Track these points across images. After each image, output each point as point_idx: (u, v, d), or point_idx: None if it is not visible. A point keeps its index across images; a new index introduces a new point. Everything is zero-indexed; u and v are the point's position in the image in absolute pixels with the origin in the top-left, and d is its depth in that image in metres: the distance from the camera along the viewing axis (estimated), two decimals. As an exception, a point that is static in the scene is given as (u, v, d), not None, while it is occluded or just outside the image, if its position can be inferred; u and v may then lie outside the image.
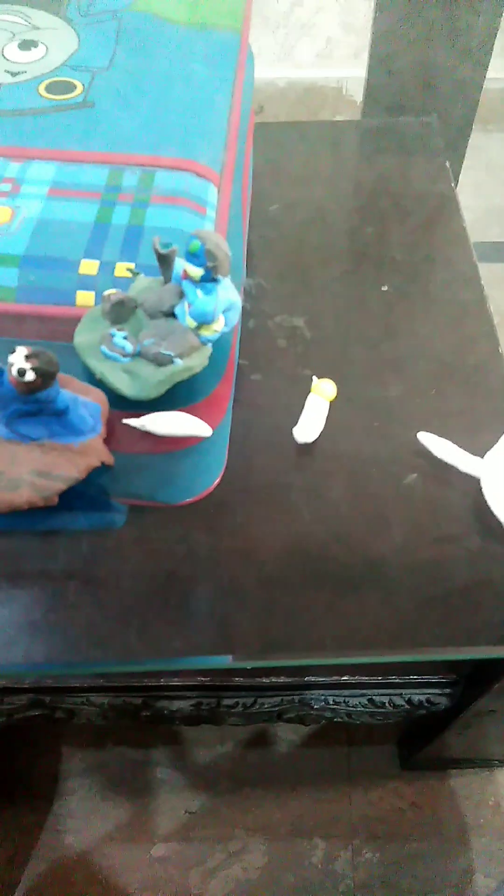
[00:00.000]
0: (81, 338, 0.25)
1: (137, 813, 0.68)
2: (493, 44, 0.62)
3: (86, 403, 0.26)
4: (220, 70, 0.35)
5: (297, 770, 0.70)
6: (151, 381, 0.24)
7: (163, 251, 0.23)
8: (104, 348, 0.24)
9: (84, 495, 0.33)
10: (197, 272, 0.23)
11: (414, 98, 0.65)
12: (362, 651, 0.25)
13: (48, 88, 0.32)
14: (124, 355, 0.24)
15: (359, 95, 0.58)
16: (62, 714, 0.48)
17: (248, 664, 0.26)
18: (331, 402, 0.38)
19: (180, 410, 0.28)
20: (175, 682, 0.43)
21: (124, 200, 0.29)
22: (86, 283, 0.26)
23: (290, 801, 0.69)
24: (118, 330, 0.24)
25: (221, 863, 0.66)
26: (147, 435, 0.29)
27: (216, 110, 0.33)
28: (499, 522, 0.31)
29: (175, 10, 0.37)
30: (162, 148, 0.30)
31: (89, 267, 0.27)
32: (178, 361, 0.24)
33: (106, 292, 0.25)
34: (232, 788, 0.69)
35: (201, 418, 0.29)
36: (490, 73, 0.65)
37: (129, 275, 0.26)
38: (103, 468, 0.31)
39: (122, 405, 0.27)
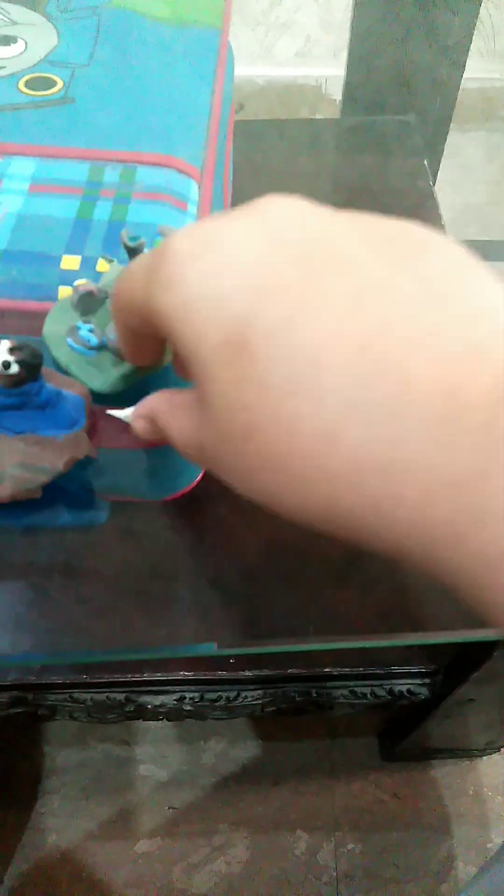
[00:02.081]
0: (50, 328, 0.25)
1: (121, 810, 0.68)
2: (470, 44, 0.63)
3: (68, 397, 0.26)
4: (200, 67, 0.35)
5: (279, 764, 0.71)
6: (115, 374, 0.24)
7: (131, 244, 0.23)
8: (70, 340, 0.24)
9: (67, 492, 0.33)
10: None
11: (392, 97, 0.66)
12: (344, 637, 0.26)
13: (28, 84, 0.32)
14: (89, 348, 0.24)
15: (338, 94, 0.58)
16: (45, 711, 0.48)
17: (233, 651, 0.26)
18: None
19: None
20: (158, 676, 0.44)
21: (106, 196, 0.29)
22: (68, 278, 0.26)
23: (272, 794, 0.69)
24: (85, 322, 0.24)
25: (205, 857, 0.66)
26: (127, 430, 0.29)
27: (196, 107, 0.33)
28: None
29: (155, 6, 0.37)
30: (143, 144, 0.31)
31: (71, 262, 0.27)
32: None
33: (76, 282, 0.25)
34: (215, 784, 0.69)
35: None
36: (467, 73, 0.66)
37: (108, 268, 0.26)
38: (87, 464, 0.31)
39: (106, 400, 0.27)
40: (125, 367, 0.24)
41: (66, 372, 0.25)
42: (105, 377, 0.24)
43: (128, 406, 0.26)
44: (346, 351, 0.13)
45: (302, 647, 0.26)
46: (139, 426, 0.20)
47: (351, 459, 0.13)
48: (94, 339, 0.24)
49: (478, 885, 0.32)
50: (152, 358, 0.21)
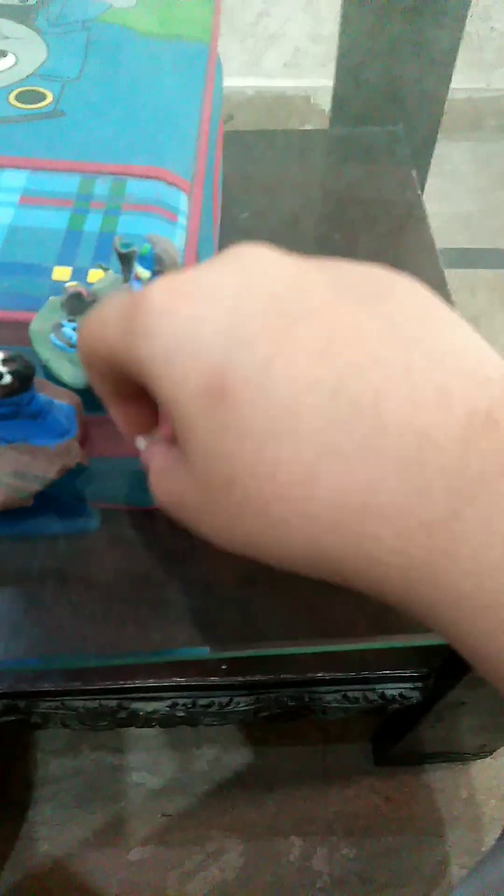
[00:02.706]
0: (37, 325, 0.25)
1: (114, 818, 0.68)
2: (456, 56, 0.64)
3: (60, 406, 0.26)
4: (189, 80, 0.36)
5: (273, 770, 0.71)
6: None
7: (123, 251, 0.24)
8: (53, 337, 0.25)
9: (59, 500, 0.33)
10: (145, 274, 0.24)
11: (380, 108, 0.67)
12: (334, 640, 0.26)
13: (18, 97, 0.33)
14: (70, 345, 0.25)
15: (327, 105, 0.59)
16: (37, 719, 0.48)
17: (225, 655, 0.26)
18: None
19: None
20: (150, 682, 0.44)
21: (96, 208, 0.29)
22: (59, 288, 0.27)
23: (266, 800, 0.69)
24: (70, 321, 0.25)
25: (199, 864, 0.66)
26: (121, 438, 0.30)
27: (186, 119, 0.34)
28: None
29: (144, 21, 0.38)
30: (133, 157, 0.31)
31: (62, 273, 0.27)
32: None
33: (68, 284, 0.25)
34: (208, 790, 0.69)
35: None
36: (455, 84, 0.67)
37: (102, 275, 0.27)
38: (79, 472, 0.31)
39: (98, 409, 0.28)
40: None
41: (44, 366, 0.25)
42: (77, 371, 0.25)
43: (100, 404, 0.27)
44: (320, 395, 0.13)
45: (293, 650, 0.26)
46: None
47: (330, 502, 0.13)
48: (76, 338, 0.25)
49: (469, 884, 0.32)
50: (140, 413, 0.21)
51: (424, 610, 0.13)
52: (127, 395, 0.19)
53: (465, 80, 0.96)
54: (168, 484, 0.18)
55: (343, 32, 0.60)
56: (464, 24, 0.63)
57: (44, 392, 0.27)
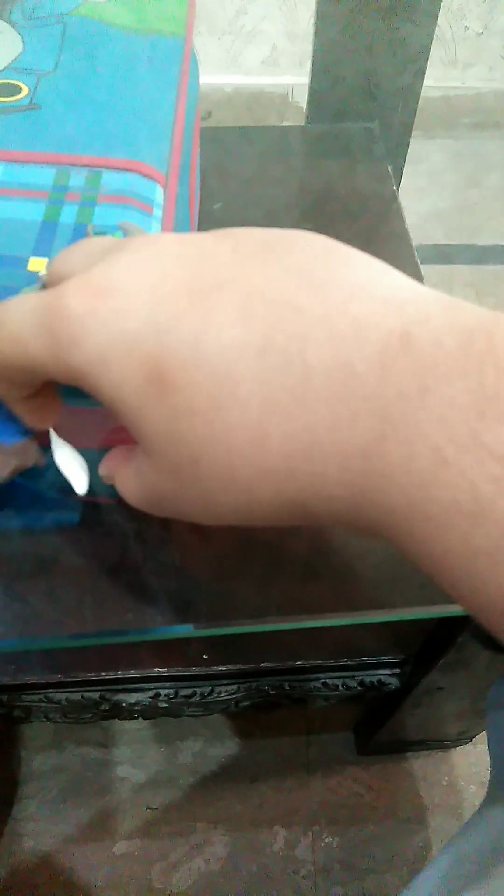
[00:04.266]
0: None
1: (99, 812, 0.68)
2: (429, 54, 0.65)
3: None
4: (164, 74, 0.36)
5: (256, 761, 0.71)
6: None
7: None
8: None
9: (38, 494, 0.33)
10: None
11: (356, 105, 0.68)
12: (312, 616, 0.27)
13: (-6, 90, 0.33)
14: None
15: (304, 101, 0.60)
16: (20, 713, 0.48)
17: (208, 632, 0.27)
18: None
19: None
20: (132, 673, 0.44)
21: (72, 200, 0.29)
22: (34, 280, 0.27)
23: (250, 791, 0.70)
24: None
25: (184, 856, 0.67)
26: (101, 430, 0.30)
27: (161, 113, 0.34)
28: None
29: (119, 15, 0.38)
30: (108, 149, 0.31)
31: (38, 264, 0.27)
32: None
33: (41, 273, 0.26)
34: (193, 783, 0.70)
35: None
36: (430, 82, 0.68)
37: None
38: (54, 468, 0.31)
39: (78, 402, 0.28)
40: None
41: None
42: None
43: (86, 396, 0.27)
44: (250, 357, 0.14)
45: (274, 626, 0.27)
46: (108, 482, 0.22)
47: (281, 453, 0.14)
48: None
49: (445, 855, 0.33)
50: (50, 410, 0.21)
51: (378, 531, 0.14)
52: (32, 394, 0.20)
53: (440, 79, 0.97)
54: (137, 485, 0.18)
55: (318, 30, 0.61)
56: (436, 22, 0.64)
57: None
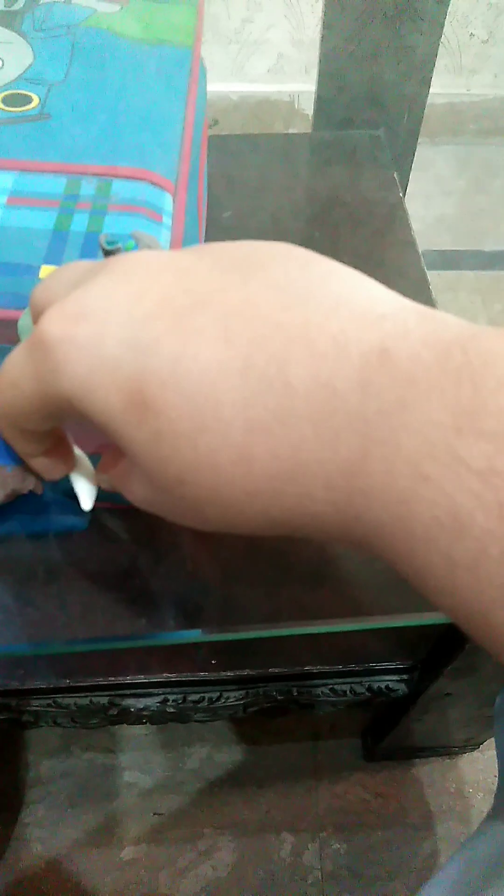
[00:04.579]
0: (24, 321, 0.26)
1: (106, 818, 0.68)
2: (435, 61, 0.65)
3: None
4: (173, 84, 0.36)
5: (264, 767, 0.71)
6: None
7: (108, 248, 0.25)
8: None
9: (48, 500, 0.34)
10: None
11: (362, 112, 0.68)
12: (319, 622, 0.27)
13: (5, 101, 0.33)
14: None
15: (310, 109, 0.60)
16: (29, 718, 0.48)
17: (216, 638, 0.27)
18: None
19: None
20: (141, 679, 0.44)
21: (82, 208, 0.30)
22: (46, 287, 0.27)
23: (257, 797, 0.70)
24: None
25: (191, 862, 0.66)
26: (97, 436, 0.30)
27: (170, 122, 0.35)
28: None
29: (129, 26, 0.38)
30: (118, 158, 0.32)
31: (49, 272, 0.28)
32: None
33: None
34: (200, 788, 0.70)
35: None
36: (436, 89, 0.68)
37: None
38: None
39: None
40: None
41: None
42: None
43: None
44: (231, 378, 0.14)
45: (282, 631, 0.27)
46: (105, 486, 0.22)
47: (265, 474, 0.14)
48: None
49: (456, 861, 0.33)
50: (65, 462, 0.22)
51: (365, 546, 0.14)
52: (46, 442, 0.20)
53: (445, 86, 0.97)
54: (134, 488, 0.18)
55: (325, 38, 0.61)
56: (441, 30, 0.64)
57: None
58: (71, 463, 0.22)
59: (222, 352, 0.14)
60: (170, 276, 0.15)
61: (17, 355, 0.17)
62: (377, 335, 0.13)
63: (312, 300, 0.14)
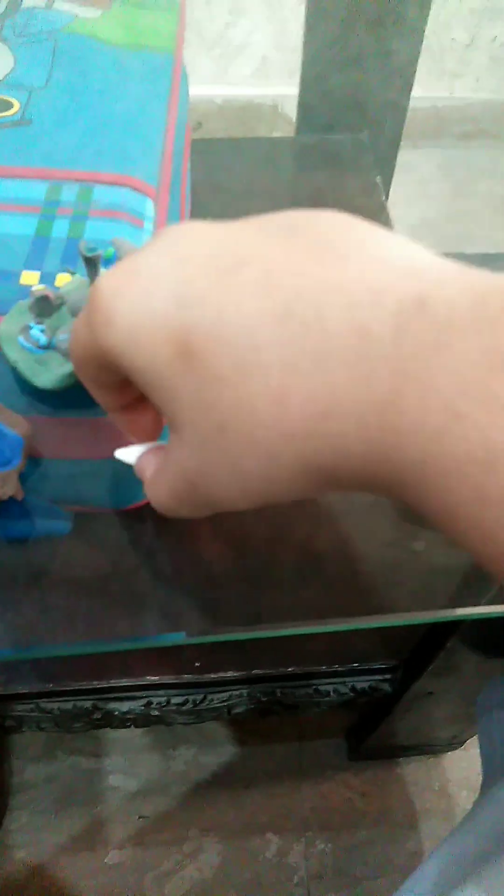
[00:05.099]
0: (5, 327, 0.26)
1: (90, 822, 0.68)
2: (417, 65, 0.66)
3: (8, 435, 0.27)
4: (154, 89, 0.37)
5: (249, 768, 0.71)
6: (59, 373, 0.25)
7: (88, 254, 0.25)
8: (21, 338, 0.25)
9: (30, 504, 0.34)
10: None
11: (345, 116, 0.69)
12: (304, 622, 0.27)
13: (-15, 104, 0.33)
14: (38, 347, 0.25)
15: (294, 113, 0.60)
16: (11, 722, 0.48)
17: (200, 640, 0.27)
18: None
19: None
20: (124, 682, 0.44)
21: (63, 214, 0.30)
22: (27, 293, 0.27)
23: (242, 798, 0.70)
24: (37, 323, 0.25)
25: (176, 865, 0.66)
26: (94, 441, 0.30)
27: (152, 127, 0.35)
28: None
29: (110, 31, 0.39)
30: (100, 164, 0.32)
31: (30, 278, 0.28)
32: None
33: (34, 287, 0.26)
34: (185, 790, 0.70)
35: (143, 423, 0.31)
36: (419, 93, 0.69)
37: (69, 279, 0.27)
38: (53, 479, 0.31)
39: (75, 413, 0.28)
40: (67, 367, 0.25)
41: (13, 368, 0.26)
42: (49, 375, 0.25)
43: (78, 408, 0.27)
44: (271, 325, 0.15)
45: (265, 633, 0.27)
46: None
47: (301, 414, 0.15)
48: (44, 339, 0.25)
49: (439, 854, 0.33)
50: (145, 420, 0.22)
51: (394, 488, 0.15)
52: (128, 403, 0.21)
53: (428, 90, 0.98)
54: (166, 479, 0.19)
55: (307, 43, 0.62)
56: (423, 35, 0.64)
57: None
58: (157, 431, 0.23)
59: (262, 302, 0.15)
60: (215, 240, 0.17)
61: (85, 309, 0.18)
62: (415, 286, 0.14)
63: (352, 257, 0.15)
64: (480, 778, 0.45)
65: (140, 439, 0.23)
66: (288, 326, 0.15)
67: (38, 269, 0.28)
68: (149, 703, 0.47)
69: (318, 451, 0.15)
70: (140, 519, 0.35)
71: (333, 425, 0.14)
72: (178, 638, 0.28)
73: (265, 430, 0.15)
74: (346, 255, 0.15)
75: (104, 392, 0.20)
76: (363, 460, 0.15)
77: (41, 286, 0.26)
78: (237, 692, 0.47)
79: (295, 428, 0.15)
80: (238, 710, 0.49)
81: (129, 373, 0.17)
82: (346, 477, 0.15)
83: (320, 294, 0.15)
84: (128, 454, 0.23)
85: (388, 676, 0.48)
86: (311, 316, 0.14)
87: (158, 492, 0.20)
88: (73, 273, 0.27)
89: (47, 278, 0.28)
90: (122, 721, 0.49)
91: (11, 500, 0.29)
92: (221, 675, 0.45)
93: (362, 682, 0.48)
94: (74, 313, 0.26)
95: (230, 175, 0.60)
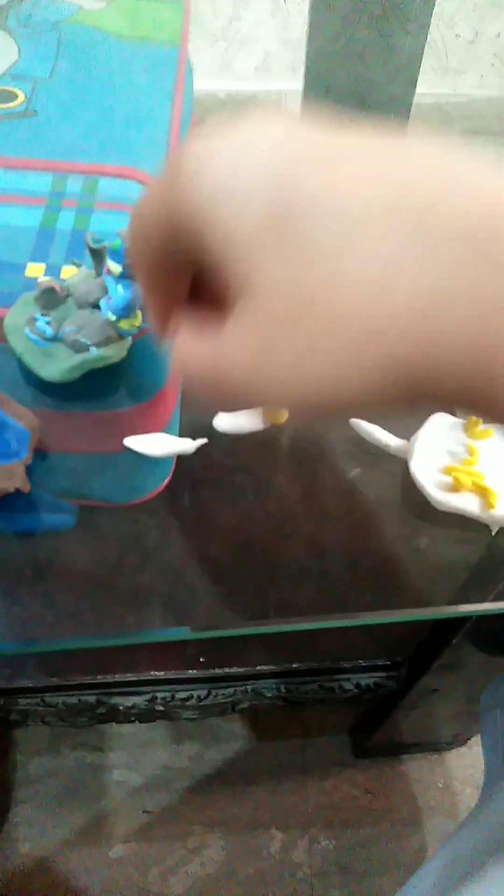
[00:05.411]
0: (11, 319, 0.26)
1: (95, 816, 0.68)
2: (421, 61, 0.66)
3: (15, 428, 0.27)
4: (159, 81, 0.36)
5: (253, 764, 0.71)
6: (65, 365, 0.25)
7: (94, 246, 0.25)
8: (27, 330, 0.25)
9: (36, 497, 0.33)
10: (117, 268, 0.25)
11: (349, 112, 0.68)
12: (309, 618, 0.27)
13: (-10, 97, 0.33)
14: (44, 339, 0.25)
15: (298, 107, 0.60)
16: (16, 716, 0.48)
17: (204, 634, 0.27)
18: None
19: (131, 409, 0.29)
20: (129, 677, 0.44)
21: (69, 206, 0.30)
22: (32, 285, 0.27)
23: (246, 794, 0.70)
24: (43, 315, 0.25)
25: (180, 860, 0.66)
26: (100, 434, 0.30)
27: (157, 120, 0.35)
28: (423, 498, 0.34)
29: (115, 23, 0.38)
30: (104, 156, 0.32)
31: (36, 270, 0.28)
32: (94, 350, 0.25)
33: (40, 279, 0.26)
34: (189, 786, 0.70)
35: (150, 416, 0.31)
36: (423, 90, 0.69)
37: (75, 271, 0.27)
38: (59, 472, 0.31)
39: (78, 406, 0.28)
40: (74, 360, 0.25)
41: (19, 360, 0.26)
42: (55, 367, 0.25)
43: (85, 401, 0.27)
44: (379, 213, 0.14)
45: (270, 629, 0.27)
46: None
47: (403, 308, 0.14)
48: (50, 331, 0.25)
49: (441, 854, 0.33)
50: (176, 301, 0.20)
51: (488, 398, 0.14)
52: (168, 287, 0.19)
53: (432, 86, 0.98)
54: (212, 355, 0.17)
55: (311, 38, 0.61)
56: (427, 30, 0.64)
57: (3, 408, 0.27)
58: (182, 300, 0.20)
59: (371, 189, 0.14)
60: (318, 131, 0.15)
61: (158, 179, 0.17)
62: None
63: (461, 167, 0.14)
64: (484, 775, 0.45)
65: (161, 322, 0.20)
66: (398, 217, 0.14)
67: (44, 261, 0.28)
68: (153, 699, 0.47)
69: (416, 345, 0.14)
70: (146, 513, 0.35)
71: (441, 323, 0.13)
72: (183, 633, 0.28)
73: (357, 319, 0.14)
74: (456, 165, 0.14)
75: (156, 274, 0.18)
76: (462, 361, 0.14)
77: (47, 278, 0.26)
78: (242, 688, 0.47)
79: (392, 322, 0.14)
80: (242, 706, 0.49)
81: (208, 227, 0.15)
82: (437, 382, 0.14)
83: (434, 194, 0.14)
84: (138, 443, 0.23)
85: (393, 673, 0.48)
86: (425, 211, 0.14)
87: (194, 367, 0.17)
88: (78, 265, 0.27)
89: (53, 270, 0.28)
90: (127, 716, 0.49)
91: (17, 493, 0.29)
92: (226, 670, 0.45)
93: (367, 679, 0.48)
94: (81, 306, 0.26)
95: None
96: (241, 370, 0.16)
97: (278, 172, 0.14)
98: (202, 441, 0.32)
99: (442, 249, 0.14)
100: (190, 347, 0.18)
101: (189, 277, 0.19)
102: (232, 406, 0.17)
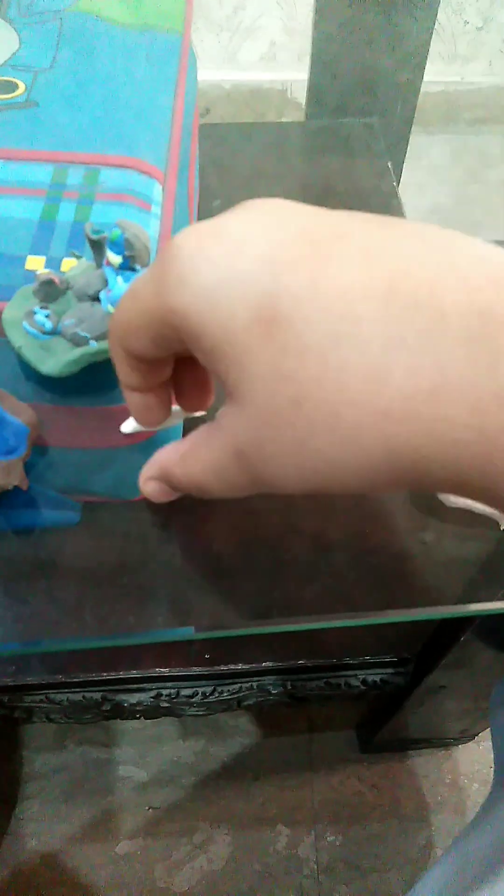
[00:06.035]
0: (9, 312, 0.25)
1: (101, 812, 0.68)
2: (429, 49, 0.64)
3: (12, 424, 0.26)
4: (162, 71, 0.36)
5: (259, 760, 0.71)
6: (64, 359, 0.25)
7: (94, 237, 0.24)
8: (26, 324, 0.25)
9: (36, 494, 0.33)
10: (116, 259, 0.24)
11: (356, 100, 0.67)
12: (315, 617, 0.27)
13: (-10, 87, 0.32)
14: (43, 332, 0.25)
15: (303, 97, 0.59)
16: (21, 713, 0.48)
17: (209, 635, 0.27)
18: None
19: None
20: (134, 674, 0.44)
21: (70, 197, 0.29)
22: (32, 278, 0.27)
23: (253, 790, 0.70)
24: (42, 308, 0.25)
25: (186, 855, 0.66)
26: (101, 429, 0.30)
27: (159, 110, 0.34)
28: (434, 499, 0.33)
29: (117, 11, 0.38)
30: (106, 146, 0.31)
31: (36, 263, 0.27)
32: (93, 343, 0.25)
33: (39, 271, 0.25)
34: (195, 782, 0.70)
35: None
36: (430, 77, 0.68)
37: (75, 263, 0.27)
38: (61, 468, 0.31)
39: (76, 401, 0.28)
40: (73, 353, 0.25)
41: (17, 354, 0.25)
42: (54, 361, 0.25)
43: (85, 395, 0.27)
44: (374, 299, 0.14)
45: (275, 628, 0.27)
46: (150, 489, 0.21)
47: (400, 393, 0.13)
48: (49, 325, 0.25)
49: (450, 856, 0.33)
50: (153, 385, 0.20)
51: (500, 489, 0.14)
52: (151, 386, 0.19)
53: (439, 74, 0.96)
54: (209, 451, 0.17)
55: (317, 25, 0.61)
56: (435, 17, 0.63)
57: (2, 404, 0.26)
58: (165, 414, 0.21)
59: (364, 276, 0.14)
60: (308, 215, 0.16)
61: (146, 271, 0.17)
62: None
63: (455, 250, 0.14)
64: (492, 771, 0.44)
65: (147, 423, 0.22)
66: (394, 302, 0.13)
67: (44, 254, 0.27)
68: (158, 695, 0.46)
69: (413, 436, 0.14)
70: (150, 510, 0.34)
71: (440, 409, 0.13)
72: (188, 633, 0.28)
73: (353, 407, 0.14)
74: (448, 248, 0.14)
75: (136, 367, 0.19)
76: (469, 450, 0.13)
77: (46, 270, 0.26)
78: (247, 684, 0.46)
79: (390, 407, 0.13)
80: (248, 702, 0.49)
81: (195, 338, 0.16)
82: (437, 468, 0.14)
83: (430, 274, 0.14)
84: (131, 424, 0.22)
85: (399, 670, 0.48)
86: (422, 294, 0.13)
87: (193, 466, 0.18)
88: (79, 257, 0.27)
89: (53, 263, 0.27)
90: (132, 712, 0.49)
91: (16, 489, 0.28)
92: (231, 667, 0.44)
93: (373, 676, 0.48)
94: (80, 298, 0.25)
95: (239, 160, 0.59)
96: (236, 461, 0.16)
97: (262, 277, 0.14)
98: (201, 412, 0.31)
99: (444, 330, 0.13)
100: (186, 447, 0.19)
101: (169, 368, 0.19)
102: (225, 489, 0.18)
